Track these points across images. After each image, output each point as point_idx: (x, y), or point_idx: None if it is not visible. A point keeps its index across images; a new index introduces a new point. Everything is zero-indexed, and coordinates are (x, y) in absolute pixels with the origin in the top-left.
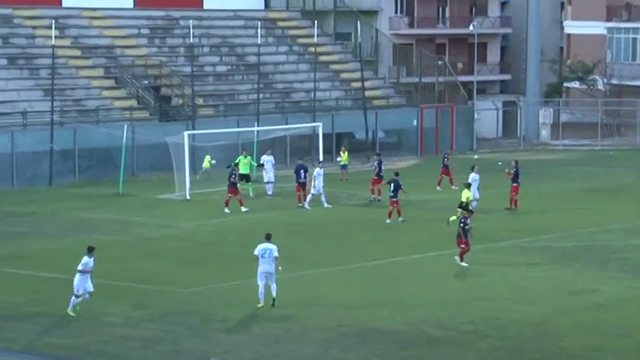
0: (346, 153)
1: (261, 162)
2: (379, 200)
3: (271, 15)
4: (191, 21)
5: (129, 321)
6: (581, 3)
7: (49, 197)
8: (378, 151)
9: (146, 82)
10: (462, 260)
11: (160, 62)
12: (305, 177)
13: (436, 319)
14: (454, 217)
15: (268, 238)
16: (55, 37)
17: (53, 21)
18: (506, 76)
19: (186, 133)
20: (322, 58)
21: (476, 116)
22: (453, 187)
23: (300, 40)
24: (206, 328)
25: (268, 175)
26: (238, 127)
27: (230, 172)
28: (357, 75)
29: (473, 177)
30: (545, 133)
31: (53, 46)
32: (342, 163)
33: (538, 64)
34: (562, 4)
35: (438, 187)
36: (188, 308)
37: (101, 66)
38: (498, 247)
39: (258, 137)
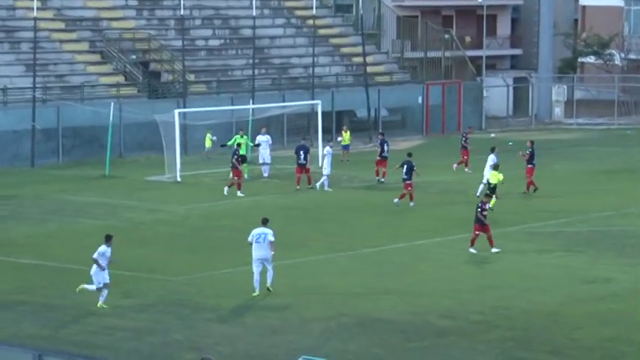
0: (348, 132)
1: (257, 142)
2: (382, 182)
3: None
4: None
5: (116, 311)
6: None
7: (30, 179)
8: (380, 130)
9: (134, 56)
10: (472, 245)
11: (149, 36)
12: (306, 158)
13: (442, 308)
14: (494, 201)
15: (265, 222)
16: (37, 8)
17: None
18: (517, 51)
19: (176, 111)
20: (321, 31)
21: (485, 93)
22: (467, 169)
23: (298, 13)
24: (197, 318)
25: (264, 156)
26: (232, 104)
27: (232, 153)
28: (359, 49)
29: (492, 158)
30: (558, 111)
31: (35, 19)
32: (343, 143)
33: (551, 38)
34: None
35: (466, 169)
36: (179, 297)
37: (86, 39)
38: (507, 233)
39: (253, 116)
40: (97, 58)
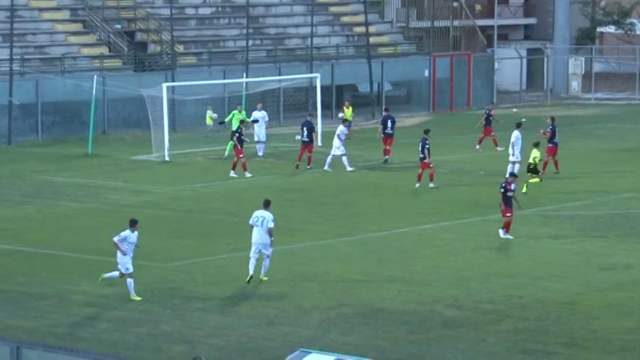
0: (350, 108)
1: (254, 118)
2: (386, 161)
3: None
4: None
5: (100, 300)
6: None
7: (7, 158)
8: (385, 105)
9: (119, 26)
10: (507, 232)
11: (135, 3)
12: (309, 135)
13: (449, 297)
14: (532, 181)
15: (266, 205)
16: None
17: None
18: (532, 20)
19: (164, 85)
20: None
21: (496, 66)
22: (478, 147)
23: None
24: (188, 308)
25: (259, 133)
26: (224, 78)
27: (235, 130)
28: (361, 18)
29: (516, 135)
30: (575, 85)
31: None
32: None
33: (568, 6)
34: None
35: (498, 148)
36: (167, 285)
37: (67, 7)
38: (520, 217)
39: (247, 90)
40: (78, 27)
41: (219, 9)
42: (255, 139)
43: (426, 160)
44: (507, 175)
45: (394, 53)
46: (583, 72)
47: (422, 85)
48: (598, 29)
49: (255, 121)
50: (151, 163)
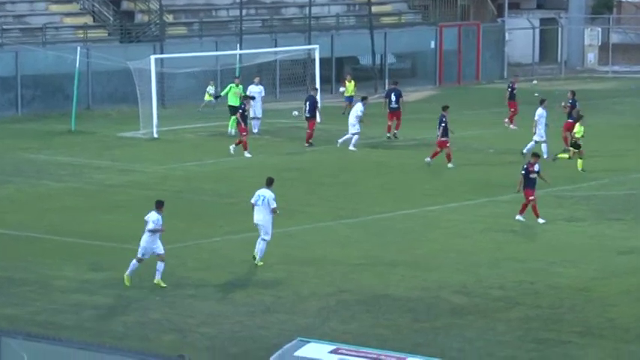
0: (352, 82)
1: (251, 94)
2: (389, 138)
3: None
4: None
5: (84, 286)
6: None
7: None
8: (388, 78)
9: None
10: (521, 213)
11: None
12: (311, 111)
13: (457, 283)
14: (581, 162)
15: (269, 183)
16: None
17: None
18: None
19: (152, 57)
20: None
21: (507, 37)
22: (512, 126)
23: None
24: (178, 294)
25: (255, 109)
26: (216, 50)
27: (239, 107)
28: None
29: (540, 113)
30: (591, 57)
31: None
32: (346, 94)
33: None
34: None
35: (509, 124)
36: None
37: None
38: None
39: (240, 63)
40: None
41: None
42: (251, 115)
43: (441, 139)
44: (524, 153)
45: (398, 23)
46: (600, 43)
47: (428, 57)
48: None
49: (252, 97)
50: (138, 140)
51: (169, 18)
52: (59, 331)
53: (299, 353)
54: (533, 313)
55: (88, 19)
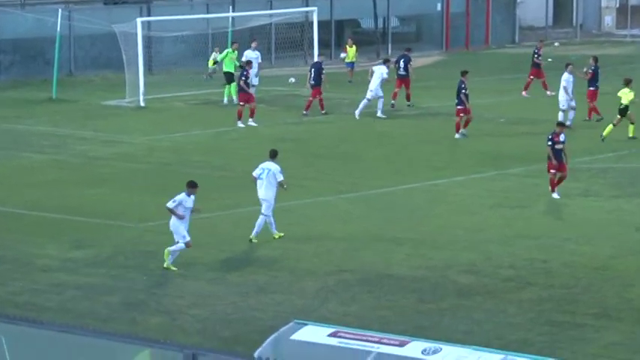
0: (354, 47)
1: (247, 59)
2: (393, 105)
3: None
4: None
5: (67, 264)
6: None
7: None
8: (392, 43)
9: None
10: (553, 191)
11: None
12: (316, 78)
13: (465, 262)
14: (609, 128)
15: (273, 155)
16: None
17: None
18: None
19: (139, 20)
20: None
21: None
22: (549, 92)
23: None
24: (167, 274)
25: (251, 76)
26: (207, 12)
27: (241, 74)
28: None
29: (566, 78)
30: (608, 20)
31: None
32: (347, 60)
33: None
34: None
35: (523, 93)
36: (143, 248)
37: None
38: (545, 170)
39: (233, 26)
40: None
41: None
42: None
43: (460, 107)
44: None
45: None
46: (618, 5)
47: (433, 20)
48: None
49: (248, 62)
50: (124, 109)
51: None
52: (40, 312)
53: (295, 337)
54: (546, 293)
55: None
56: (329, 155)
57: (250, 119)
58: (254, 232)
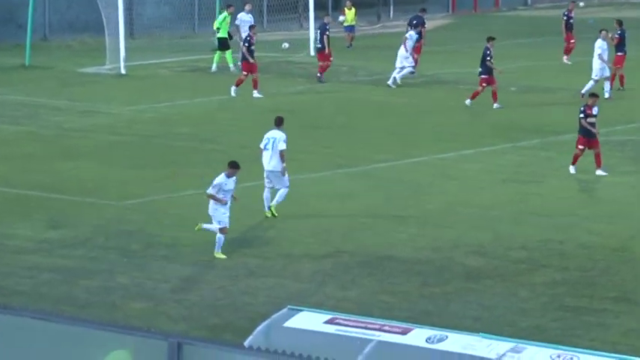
0: (352, 10)
1: (241, 22)
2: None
3: None
4: None
5: (42, 245)
6: None
7: None
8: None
9: None
10: (599, 166)
11: None
12: (321, 41)
13: (474, 243)
14: None
15: (278, 123)
16: None
17: None
18: None
19: None
20: None
21: None
22: (565, 58)
23: None
24: (150, 255)
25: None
26: None
27: (244, 40)
28: None
29: (600, 45)
30: None
31: None
32: (345, 23)
33: None
34: None
35: (565, 59)
36: (124, 228)
37: None
38: (561, 142)
39: None
40: None
41: None
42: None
43: (484, 76)
44: (583, 94)
45: None
46: None
47: None
48: None
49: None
50: (103, 76)
51: None
52: (12, 297)
53: (289, 324)
54: (560, 276)
55: None
56: (326, 126)
57: (255, 91)
58: (274, 201)
